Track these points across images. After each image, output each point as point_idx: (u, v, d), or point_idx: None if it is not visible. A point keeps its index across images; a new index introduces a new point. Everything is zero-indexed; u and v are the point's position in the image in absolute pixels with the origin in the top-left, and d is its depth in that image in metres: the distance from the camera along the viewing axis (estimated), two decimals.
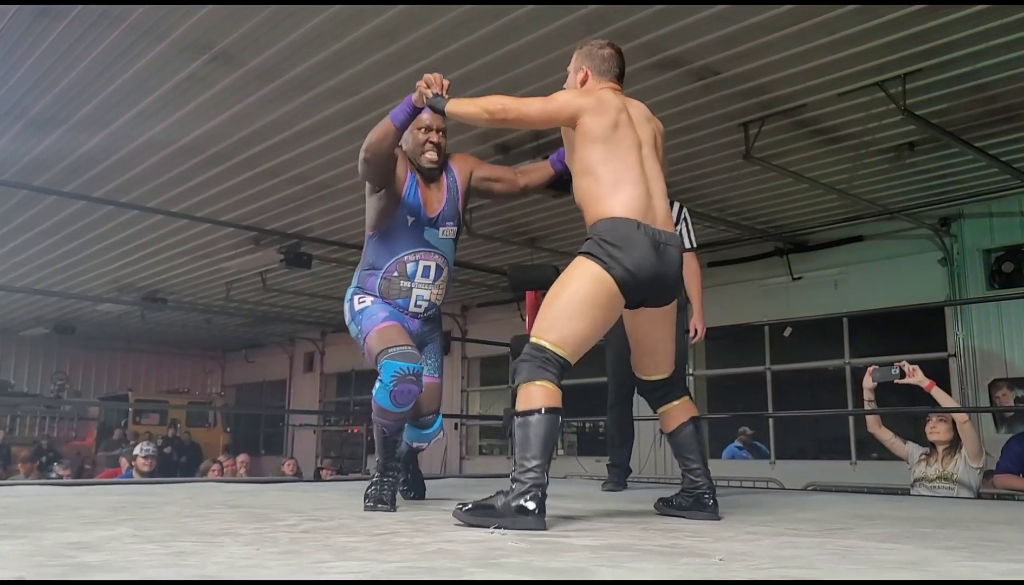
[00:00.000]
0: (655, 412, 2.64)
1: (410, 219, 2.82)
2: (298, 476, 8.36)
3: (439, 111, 2.52)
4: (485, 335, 9.40)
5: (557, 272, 4.91)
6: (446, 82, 2.56)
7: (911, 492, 4.27)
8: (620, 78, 2.66)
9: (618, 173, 2.37)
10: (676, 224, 3.91)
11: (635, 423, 4.23)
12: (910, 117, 4.79)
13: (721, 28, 4.15)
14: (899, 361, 4.31)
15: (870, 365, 4.43)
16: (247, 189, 6.70)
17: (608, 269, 2.26)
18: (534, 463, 2.11)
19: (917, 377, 4.18)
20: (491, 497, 2.12)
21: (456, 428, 11.26)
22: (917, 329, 7.61)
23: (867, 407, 4.42)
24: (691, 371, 8.93)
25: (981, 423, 6.19)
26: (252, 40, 4.34)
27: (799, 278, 8.11)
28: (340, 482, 4.76)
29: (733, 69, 4.59)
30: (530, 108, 2.43)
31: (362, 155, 2.68)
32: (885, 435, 4.42)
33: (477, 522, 2.05)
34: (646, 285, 2.31)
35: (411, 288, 2.85)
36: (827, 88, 4.81)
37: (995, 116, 5.15)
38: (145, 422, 13.01)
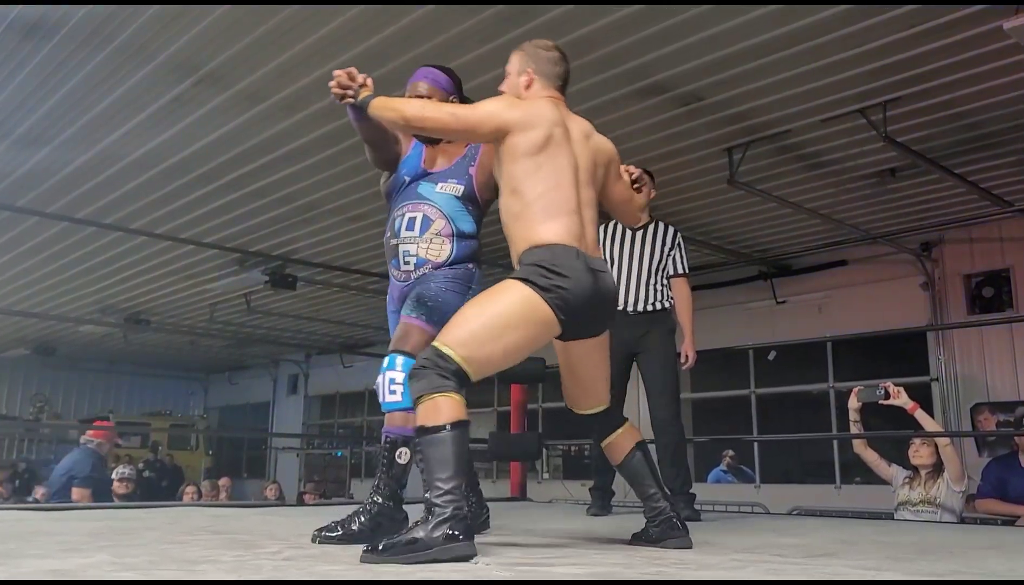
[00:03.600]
0: (600, 446, 2.49)
1: (407, 178, 2.66)
2: (281, 500, 8.28)
3: (363, 110, 2.35)
4: None
5: None
6: (362, 77, 2.38)
7: (895, 516, 4.28)
8: (564, 87, 2.49)
9: (550, 197, 2.22)
10: (670, 250, 3.93)
11: None
12: (891, 144, 4.86)
13: (706, 55, 4.20)
14: (885, 382, 4.34)
15: (854, 388, 4.46)
16: (233, 210, 6.68)
17: (546, 298, 2.10)
18: (451, 485, 1.94)
19: (902, 399, 4.20)
20: (409, 530, 1.92)
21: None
22: (900, 353, 7.66)
23: (853, 427, 4.44)
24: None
25: (964, 447, 6.22)
26: (239, 62, 4.36)
27: (783, 302, 8.16)
28: (323, 507, 4.72)
29: (717, 95, 4.65)
30: (450, 118, 2.27)
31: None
32: (870, 456, 4.44)
33: (404, 560, 1.82)
34: (583, 314, 2.18)
35: (397, 244, 2.60)
36: (810, 114, 4.87)
37: (974, 143, 5.23)
38: (126, 445, 12.85)
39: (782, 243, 7.54)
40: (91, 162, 5.69)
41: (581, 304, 2.15)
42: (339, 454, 14.09)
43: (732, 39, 4.05)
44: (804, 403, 8.89)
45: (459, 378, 2.04)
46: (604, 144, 2.47)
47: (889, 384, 4.27)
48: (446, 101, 2.59)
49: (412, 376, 2.05)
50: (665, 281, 3.93)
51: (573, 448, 10.68)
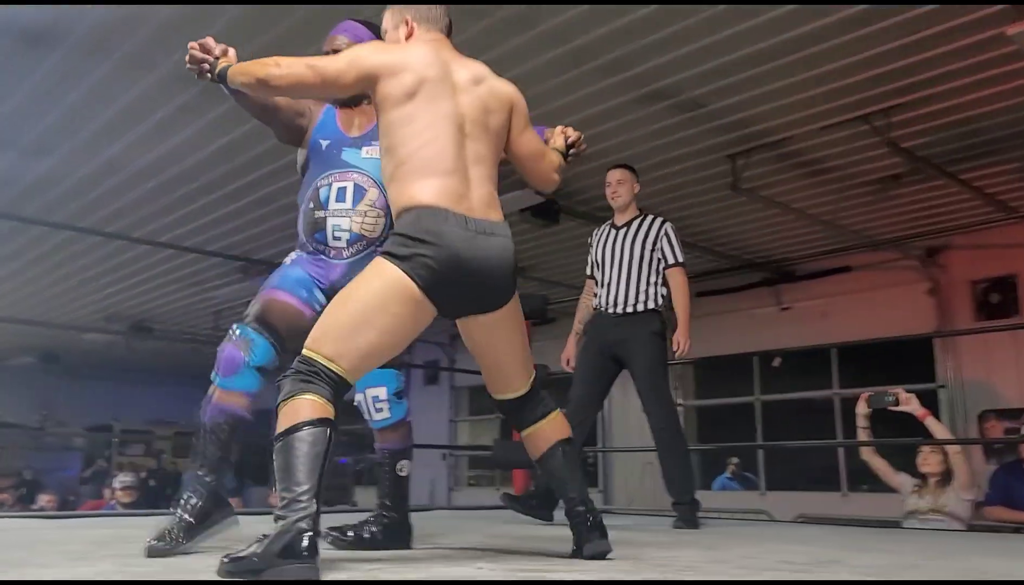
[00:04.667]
0: (520, 435, 2.24)
1: (324, 142, 2.41)
2: None
3: (222, 82, 2.09)
4: (474, 364, 9.36)
5: (546, 301, 4.94)
6: (220, 47, 2.12)
7: (903, 525, 4.26)
8: (449, 29, 2.23)
9: (424, 154, 1.96)
10: (655, 242, 3.82)
11: (622, 455, 4.21)
12: (895, 150, 4.85)
13: (707, 62, 4.21)
14: (895, 389, 4.31)
15: (863, 394, 4.43)
16: (237, 218, 6.70)
17: (408, 270, 1.87)
18: (300, 490, 1.68)
19: (912, 406, 4.18)
20: (253, 544, 1.66)
21: (444, 459, 11.18)
22: (906, 360, 7.64)
23: (861, 433, 4.42)
24: (680, 401, 8.94)
25: (971, 455, 6.20)
26: None
27: (787, 308, 8.15)
28: (324, 513, 4.72)
29: (719, 102, 4.65)
30: (307, 72, 1.99)
31: None
32: (879, 464, 4.42)
33: (242, 576, 1.62)
34: (461, 286, 1.92)
35: (325, 217, 2.33)
36: (812, 121, 4.87)
37: (979, 149, 5.22)
38: (130, 453, 12.85)
39: (785, 249, 7.53)
40: (96, 171, 5.70)
41: (451, 273, 1.89)
42: (343, 461, 14.07)
43: (733, 46, 4.05)
44: (809, 410, 8.86)
45: (326, 379, 1.82)
46: (502, 89, 2.18)
47: (899, 390, 4.25)
48: None
49: (278, 386, 1.86)
50: (655, 279, 3.81)
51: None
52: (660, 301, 3.83)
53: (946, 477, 4.14)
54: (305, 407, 1.78)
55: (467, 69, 2.13)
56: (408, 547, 2.43)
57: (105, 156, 5.45)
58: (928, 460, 4.19)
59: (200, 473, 2.16)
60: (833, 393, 7.87)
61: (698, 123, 4.93)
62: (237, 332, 2.20)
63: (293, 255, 2.44)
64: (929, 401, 6.72)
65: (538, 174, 2.31)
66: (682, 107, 4.72)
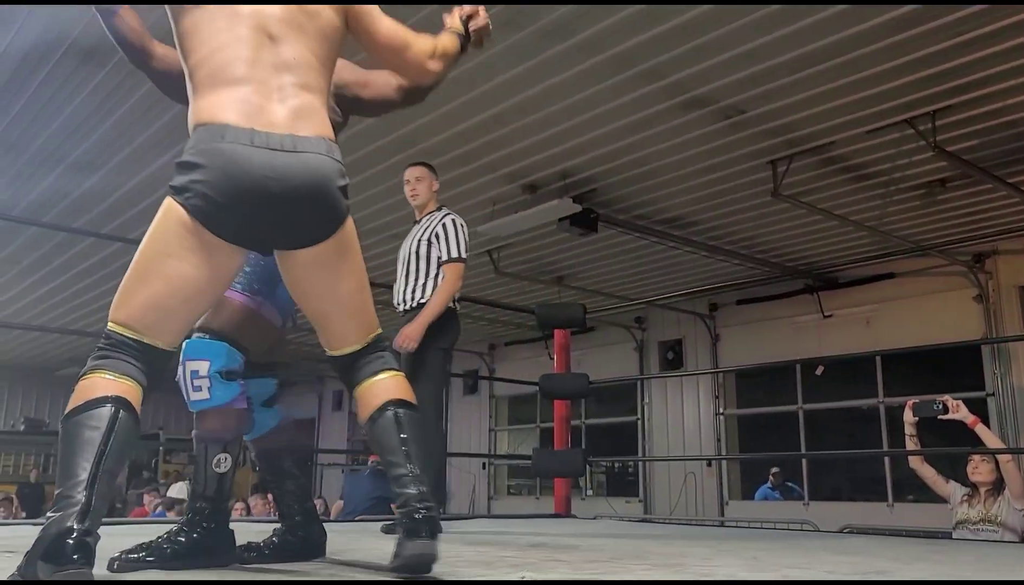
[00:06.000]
0: (352, 396, 1.84)
1: None
2: (326, 515, 8.34)
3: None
4: (513, 373, 9.37)
5: (584, 310, 4.92)
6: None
7: (953, 535, 4.16)
8: None
9: (211, 62, 1.65)
10: (431, 236, 3.57)
11: (663, 464, 4.15)
12: (941, 154, 4.76)
13: (747, 68, 4.18)
14: (942, 397, 4.20)
15: (909, 402, 4.34)
16: None
17: (183, 202, 1.58)
18: (71, 482, 1.40)
19: (961, 413, 4.06)
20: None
21: (484, 467, 11.20)
22: (953, 367, 7.46)
23: (908, 442, 4.32)
24: (722, 410, 8.84)
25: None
26: None
27: (830, 316, 8.03)
28: (367, 522, 4.75)
29: (759, 108, 4.61)
30: None
31: None
32: (927, 472, 4.31)
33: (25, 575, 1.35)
34: (249, 214, 1.59)
35: None
36: (855, 125, 4.80)
37: None
38: (175, 461, 13.07)
39: (828, 256, 7.43)
40: (143, 184, 5.83)
41: (232, 198, 1.57)
42: None
43: (774, 51, 4.02)
44: (853, 418, 8.70)
45: (126, 349, 1.57)
46: (327, 13, 1.78)
47: (947, 398, 4.14)
48: None
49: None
50: (433, 273, 3.55)
51: (617, 465, 10.60)
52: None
53: (998, 486, 4.03)
54: (92, 386, 1.52)
55: None
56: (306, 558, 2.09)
57: (152, 169, 5.58)
58: (979, 469, 4.08)
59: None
60: (878, 401, 7.72)
61: (739, 129, 4.89)
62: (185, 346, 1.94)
63: None
64: (978, 409, 6.56)
65: (408, 68, 2.01)
66: (723, 113, 4.69)
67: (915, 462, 4.37)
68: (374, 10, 1.89)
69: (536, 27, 3.87)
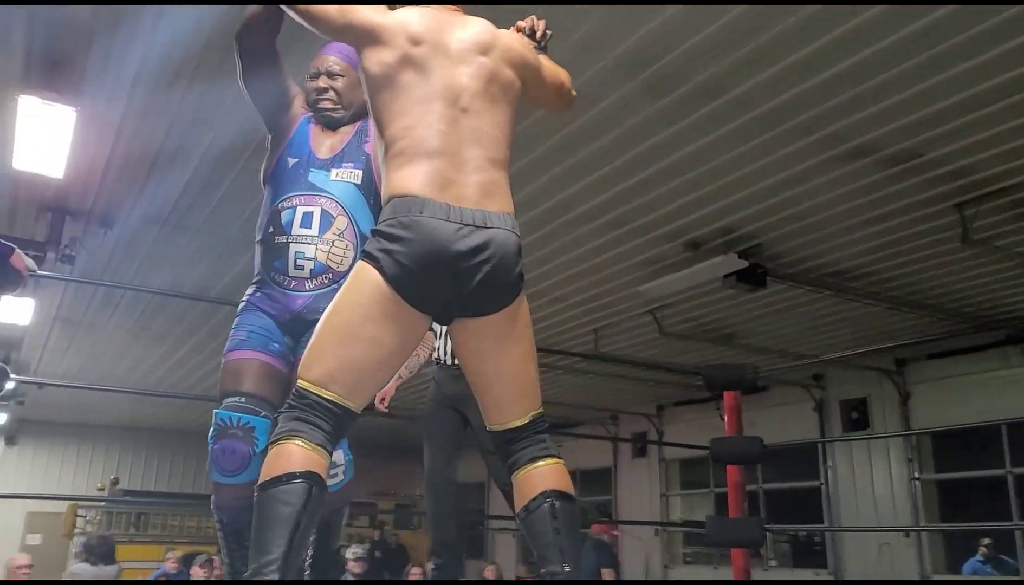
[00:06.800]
0: (511, 480, 1.80)
1: (291, 161, 2.19)
2: (500, 581, 8.35)
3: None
4: (683, 435, 9.11)
5: (756, 372, 4.70)
6: None
7: None
8: None
9: (408, 135, 1.71)
10: None
11: (854, 533, 3.84)
12: None
13: (916, 111, 3.93)
14: None
15: None
16: None
17: (381, 269, 1.64)
18: (265, 559, 1.47)
19: None
20: None
21: (656, 534, 10.83)
22: None
23: None
24: (918, 475, 8.12)
25: None
26: None
27: None
28: None
29: (937, 151, 4.30)
30: (322, 12, 1.78)
31: None
32: None
33: None
34: (441, 284, 1.65)
35: (287, 243, 2.08)
36: None
37: None
38: (356, 524, 13.56)
39: None
40: None
41: (428, 269, 1.63)
42: None
43: (947, 92, 3.76)
44: None
45: (321, 410, 1.61)
46: (510, 49, 1.87)
47: None
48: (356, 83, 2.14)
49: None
50: None
51: (802, 533, 9.93)
52: None
53: None
54: (287, 455, 1.55)
55: (468, 35, 1.84)
56: None
57: None
58: None
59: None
60: None
61: (912, 175, 4.58)
62: (233, 420, 1.96)
63: (246, 295, 2.18)
64: None
65: (564, 101, 2.10)
66: (891, 160, 4.42)
67: None
68: (542, 58, 1.98)
69: (681, 91, 3.84)
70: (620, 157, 4.51)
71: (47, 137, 4.14)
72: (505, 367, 1.76)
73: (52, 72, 3.82)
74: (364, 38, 1.78)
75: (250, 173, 4.87)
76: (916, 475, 8.16)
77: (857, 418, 8.75)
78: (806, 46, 3.49)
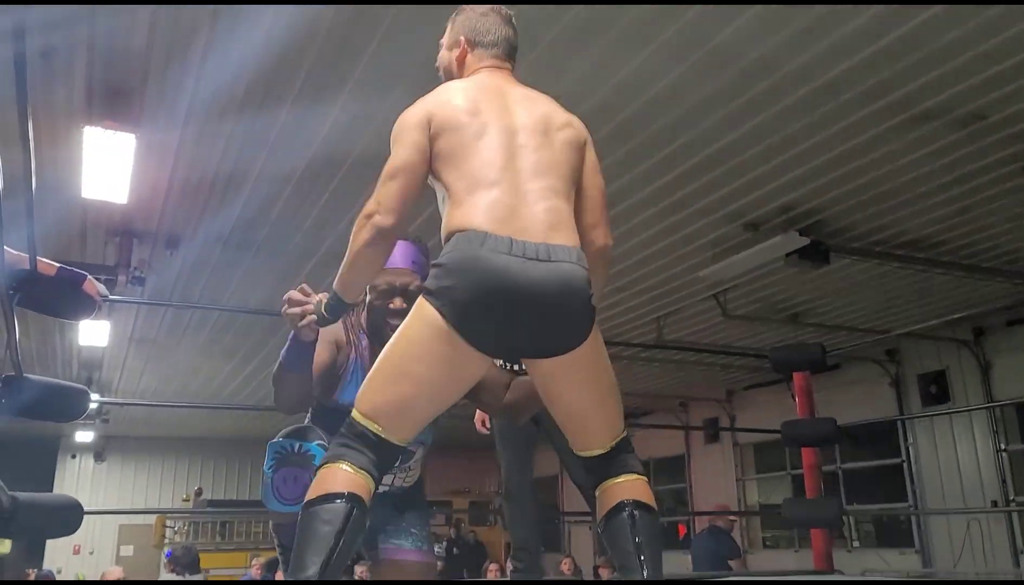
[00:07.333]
0: (595, 495, 1.81)
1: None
2: (577, 575, 8.34)
3: (336, 308, 1.86)
4: (755, 419, 8.96)
5: (823, 349, 4.59)
6: (313, 295, 1.95)
7: None
8: (511, 53, 1.96)
9: (467, 168, 1.69)
10: None
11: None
12: None
13: (981, 72, 3.76)
14: None
15: None
16: None
17: (439, 306, 1.59)
18: (304, 575, 1.50)
19: None
20: None
21: (734, 522, 10.68)
22: None
23: None
24: (1004, 446, 7.82)
25: None
26: None
27: None
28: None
29: (1005, 110, 4.12)
30: (380, 206, 1.69)
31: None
32: None
33: None
34: (504, 323, 1.59)
35: None
36: None
37: None
38: (432, 523, 13.72)
39: None
40: None
41: (488, 307, 1.58)
42: None
43: (1009, 52, 3.60)
44: None
45: (366, 441, 1.63)
46: (575, 125, 1.87)
47: None
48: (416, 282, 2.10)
49: None
50: None
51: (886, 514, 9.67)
52: None
53: None
54: (333, 477, 1.59)
55: (527, 98, 1.84)
56: None
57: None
58: None
59: None
60: None
61: (982, 136, 4.40)
62: (293, 448, 2.00)
63: None
64: None
65: (596, 264, 1.88)
66: (958, 123, 4.25)
67: None
68: (598, 164, 1.90)
69: (740, 66, 3.75)
70: (671, 144, 4.44)
71: (111, 165, 4.27)
72: (582, 408, 1.74)
73: (112, 102, 3.94)
74: (432, 158, 1.75)
75: (303, 192, 4.97)
76: (1002, 447, 7.85)
77: (936, 392, 8.47)
78: (865, 12, 3.37)
